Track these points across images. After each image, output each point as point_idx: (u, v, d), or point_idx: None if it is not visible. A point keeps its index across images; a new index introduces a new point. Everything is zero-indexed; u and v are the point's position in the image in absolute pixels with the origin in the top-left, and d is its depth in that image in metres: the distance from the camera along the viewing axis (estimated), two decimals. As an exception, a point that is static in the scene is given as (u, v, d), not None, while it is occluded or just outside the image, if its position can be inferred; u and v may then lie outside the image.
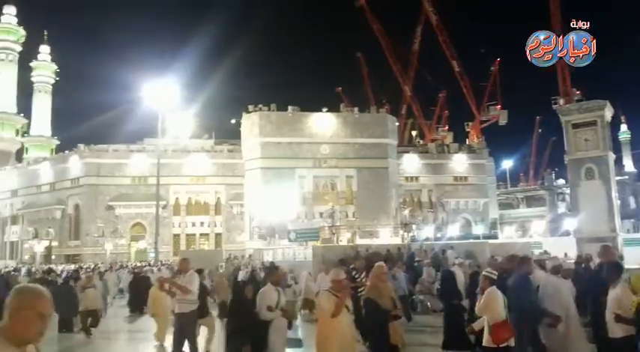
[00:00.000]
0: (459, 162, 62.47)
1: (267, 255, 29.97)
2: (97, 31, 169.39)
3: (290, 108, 53.34)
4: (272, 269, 6.94)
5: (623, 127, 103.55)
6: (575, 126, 33.99)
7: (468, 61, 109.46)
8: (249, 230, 50.07)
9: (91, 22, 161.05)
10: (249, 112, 53.27)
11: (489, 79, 72.49)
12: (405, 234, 36.94)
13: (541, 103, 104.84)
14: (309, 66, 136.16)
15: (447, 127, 77.01)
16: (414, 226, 40.63)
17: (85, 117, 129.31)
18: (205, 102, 76.59)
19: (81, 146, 57.76)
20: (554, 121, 36.54)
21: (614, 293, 5.85)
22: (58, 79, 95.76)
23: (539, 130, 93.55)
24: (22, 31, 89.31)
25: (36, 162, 65.81)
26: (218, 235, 56.59)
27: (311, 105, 55.59)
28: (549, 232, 43.69)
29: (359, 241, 33.97)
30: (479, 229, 51.94)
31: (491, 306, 6.04)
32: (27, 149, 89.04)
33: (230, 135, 60.40)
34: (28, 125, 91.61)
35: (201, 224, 56.89)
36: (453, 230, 48.13)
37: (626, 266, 10.14)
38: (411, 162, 60.74)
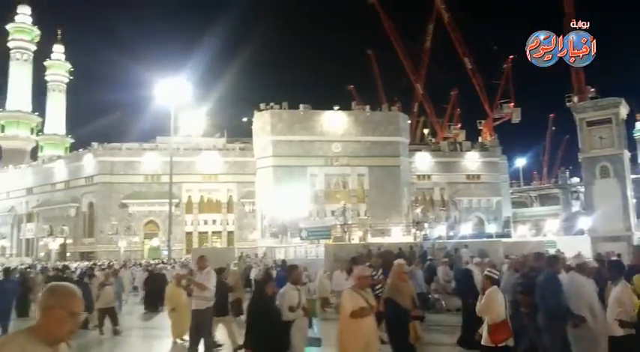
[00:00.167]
0: (472, 161, 62.06)
1: (278, 253, 30.09)
2: (110, 30, 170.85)
3: (301, 106, 53.32)
4: (291, 268, 6.89)
5: (639, 125, 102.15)
6: (590, 123, 33.56)
7: (481, 59, 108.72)
8: (260, 228, 50.20)
9: (104, 22, 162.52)
10: (260, 111, 53.33)
11: (502, 76, 72.01)
12: (417, 232, 36.79)
13: (555, 101, 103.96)
14: (321, 64, 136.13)
15: (459, 125, 76.61)
16: (426, 225, 40.37)
17: (98, 115, 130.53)
18: (217, 100, 77.26)
19: (95, 144, 58.33)
20: (568, 119, 36.04)
21: (614, 292, 5.89)
22: (71, 77, 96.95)
23: (553, 128, 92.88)
24: (36, 31, 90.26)
25: (50, 161, 66.59)
26: (230, 233, 56.85)
27: (322, 103, 55.73)
28: (563, 231, 43.15)
29: (371, 239, 33.97)
30: (492, 228, 51.61)
31: (492, 306, 6.05)
32: (42, 147, 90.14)
33: (242, 133, 60.65)
34: (43, 123, 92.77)
35: (214, 222, 57.19)
36: (466, 228, 47.85)
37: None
38: (423, 161, 60.45)
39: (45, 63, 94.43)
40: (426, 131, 78.34)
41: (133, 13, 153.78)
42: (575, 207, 63.44)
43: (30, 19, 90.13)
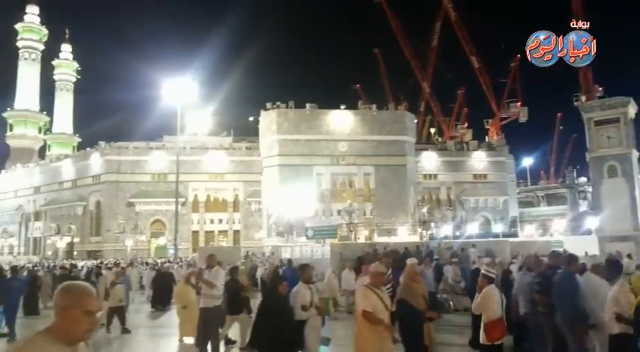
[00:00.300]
0: (479, 160, 61.83)
1: (284, 252, 30.01)
2: (117, 30, 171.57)
3: (308, 105, 53.29)
4: (303, 266, 6.86)
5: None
6: (598, 123, 33.42)
7: (488, 58, 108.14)
8: (267, 227, 50.22)
9: (112, 22, 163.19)
10: (266, 110, 53.33)
11: (509, 75, 71.69)
12: (424, 232, 36.73)
13: (562, 100, 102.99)
14: (327, 64, 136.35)
15: (466, 124, 76.41)
16: (432, 224, 40.30)
17: (105, 114, 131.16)
18: (223, 100, 77.47)
19: (102, 143, 58.63)
20: (576, 118, 35.89)
21: (612, 291, 5.90)
22: (79, 77, 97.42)
23: (560, 127, 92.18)
24: (44, 30, 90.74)
25: (58, 160, 66.97)
26: (236, 232, 56.99)
27: (329, 102, 55.55)
28: (570, 231, 42.94)
29: (377, 239, 33.89)
30: (498, 227, 51.35)
31: (487, 304, 6.08)
32: (49, 146, 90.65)
33: (248, 132, 60.76)
34: (51, 123, 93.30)
35: (220, 221, 57.38)
36: (472, 228, 47.67)
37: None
38: (430, 160, 60.29)
39: (53, 62, 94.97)
40: (432, 130, 78.18)
41: (140, 14, 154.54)
42: (583, 206, 63.14)
43: (38, 19, 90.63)
